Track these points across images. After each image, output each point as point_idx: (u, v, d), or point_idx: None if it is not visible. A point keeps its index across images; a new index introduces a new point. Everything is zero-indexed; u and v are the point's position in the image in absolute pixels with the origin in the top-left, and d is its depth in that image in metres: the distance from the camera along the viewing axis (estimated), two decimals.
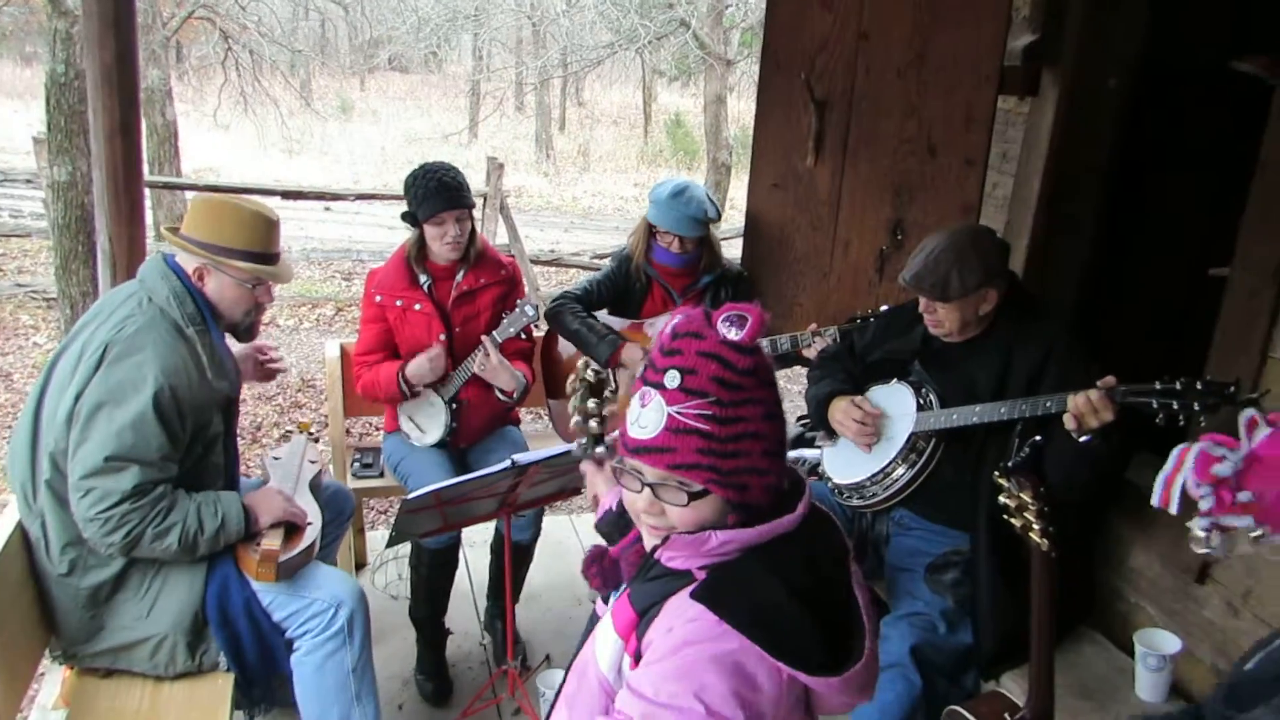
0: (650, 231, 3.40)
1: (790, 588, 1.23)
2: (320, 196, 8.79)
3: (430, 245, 3.15)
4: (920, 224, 3.29)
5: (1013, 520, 2.20)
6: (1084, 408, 2.24)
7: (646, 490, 1.29)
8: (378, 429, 6.06)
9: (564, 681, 1.48)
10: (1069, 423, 2.27)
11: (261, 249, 2.50)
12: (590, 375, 1.86)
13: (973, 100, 3.09)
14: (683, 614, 1.26)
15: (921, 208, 3.28)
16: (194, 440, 2.41)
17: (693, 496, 1.27)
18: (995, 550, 2.50)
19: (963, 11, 3.04)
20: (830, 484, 2.88)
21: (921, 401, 2.70)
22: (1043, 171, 3.13)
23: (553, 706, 1.48)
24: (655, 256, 3.43)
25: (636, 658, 1.31)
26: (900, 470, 2.70)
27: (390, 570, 3.82)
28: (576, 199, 16.18)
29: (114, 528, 2.25)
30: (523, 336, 3.28)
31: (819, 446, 3.04)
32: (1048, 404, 2.38)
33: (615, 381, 3.50)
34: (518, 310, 3.11)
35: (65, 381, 2.33)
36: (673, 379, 1.25)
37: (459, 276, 3.23)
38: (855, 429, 2.75)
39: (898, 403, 2.76)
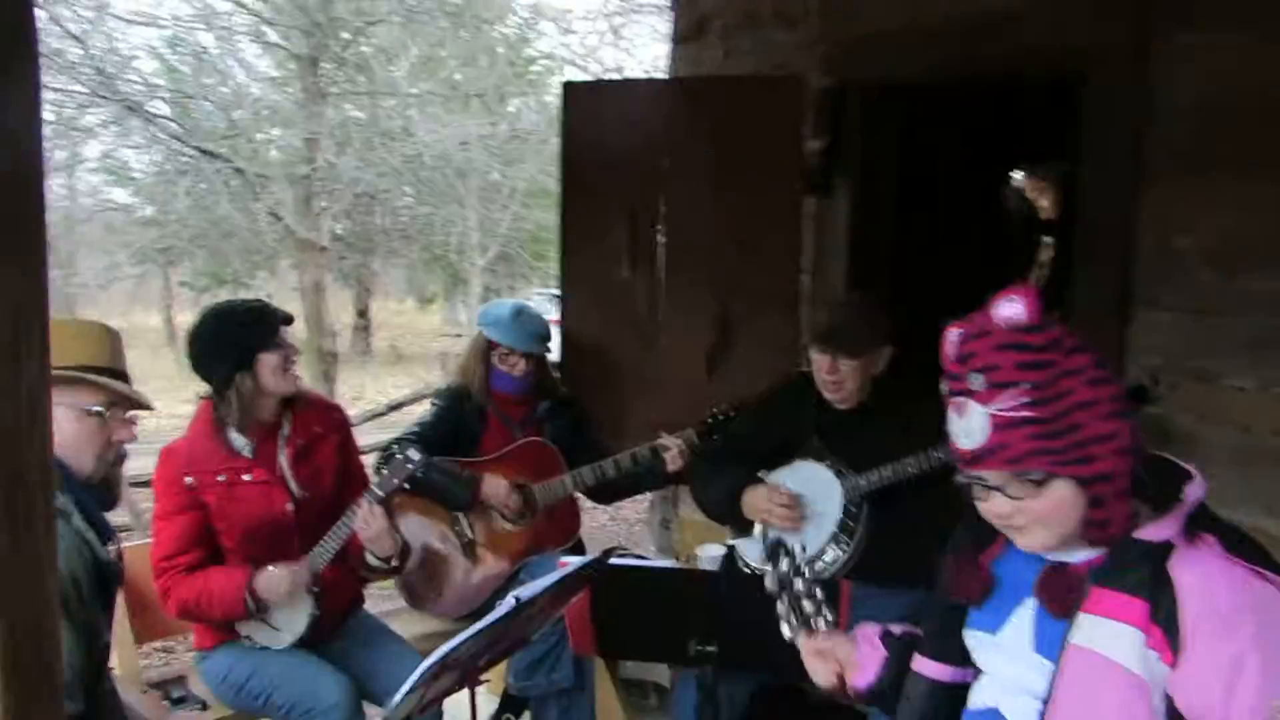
0: (487, 357, 3.10)
1: None
2: None
3: (264, 383, 2.50)
4: (744, 319, 3.39)
5: None
6: None
7: (996, 495, 1.30)
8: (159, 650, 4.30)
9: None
10: None
11: (107, 363, 1.89)
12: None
13: (779, 200, 3.33)
14: (1204, 591, 1.21)
15: (744, 303, 3.39)
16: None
17: (1039, 484, 1.27)
18: None
19: (760, 121, 3.30)
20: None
21: (834, 472, 2.70)
22: (847, 262, 3.44)
23: None
24: (494, 384, 3.12)
25: (1171, 649, 1.22)
26: (839, 547, 2.66)
27: None
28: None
29: None
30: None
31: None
32: None
33: (471, 532, 3.05)
34: (399, 457, 2.53)
35: None
36: (977, 381, 1.25)
37: (285, 430, 2.62)
38: (783, 514, 2.66)
39: (809, 478, 2.73)
